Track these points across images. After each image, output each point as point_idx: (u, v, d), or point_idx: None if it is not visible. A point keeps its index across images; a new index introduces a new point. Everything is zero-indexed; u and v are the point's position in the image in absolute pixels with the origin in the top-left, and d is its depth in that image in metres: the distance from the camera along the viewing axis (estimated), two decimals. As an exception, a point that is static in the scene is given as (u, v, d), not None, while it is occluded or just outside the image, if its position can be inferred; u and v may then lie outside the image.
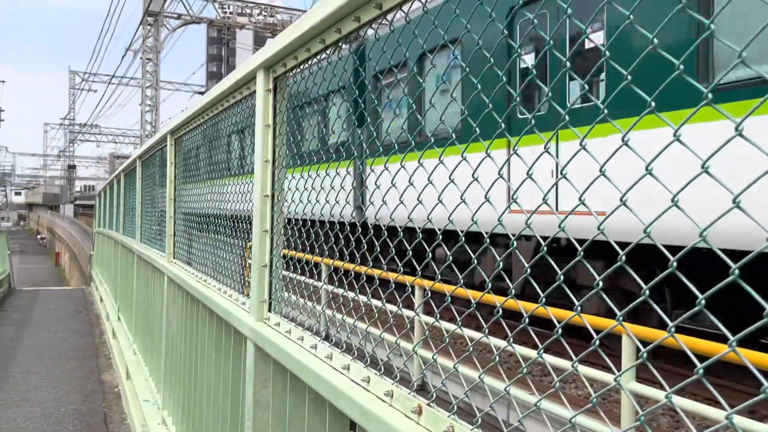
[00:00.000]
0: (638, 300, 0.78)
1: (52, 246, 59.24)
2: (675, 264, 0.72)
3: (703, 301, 0.69)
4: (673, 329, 0.73)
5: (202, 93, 46.34)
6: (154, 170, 5.53)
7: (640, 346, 0.77)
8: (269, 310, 2.12)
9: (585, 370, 5.12)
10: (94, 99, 68.17)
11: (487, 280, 1.14)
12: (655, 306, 0.77)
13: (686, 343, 3.54)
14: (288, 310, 2.13)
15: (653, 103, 0.76)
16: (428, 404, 1.20)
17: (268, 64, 2.06)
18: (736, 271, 0.65)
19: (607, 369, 6.36)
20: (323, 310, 2.37)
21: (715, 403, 5.21)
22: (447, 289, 1.29)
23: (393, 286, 1.46)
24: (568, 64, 0.96)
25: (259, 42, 49.52)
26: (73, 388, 6.47)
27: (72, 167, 64.38)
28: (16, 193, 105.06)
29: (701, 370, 0.69)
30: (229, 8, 27.55)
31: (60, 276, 42.04)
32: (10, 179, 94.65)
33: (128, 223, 7.70)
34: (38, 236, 74.28)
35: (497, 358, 1.07)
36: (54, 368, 7.29)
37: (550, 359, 5.29)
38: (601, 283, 0.82)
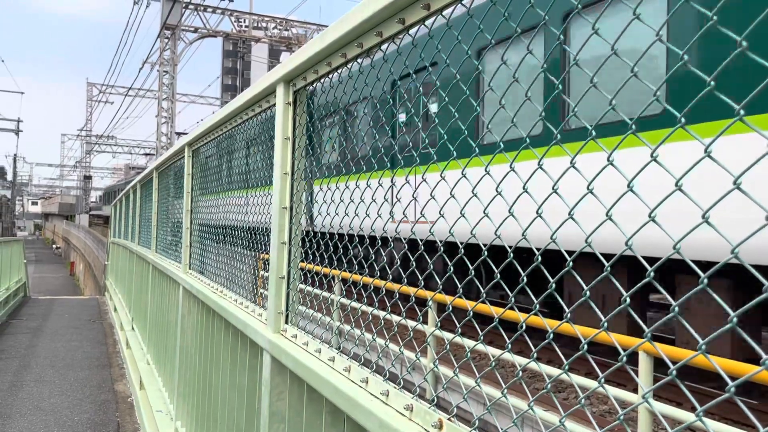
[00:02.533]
0: (668, 316, 0.77)
1: (67, 255, 59.76)
2: (706, 280, 0.72)
3: (735, 319, 0.68)
4: (703, 347, 0.72)
5: (219, 105, 46.68)
6: (170, 181, 5.57)
7: (670, 364, 0.76)
8: (286, 322, 2.12)
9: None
10: (111, 110, 69.15)
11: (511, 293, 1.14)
12: (686, 324, 0.76)
13: (700, 360, 3.49)
14: (312, 326, 2.12)
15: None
16: (449, 419, 1.19)
17: (288, 78, 2.07)
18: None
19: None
20: (337, 328, 2.37)
21: (734, 423, 5.13)
22: (469, 304, 1.29)
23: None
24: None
25: (274, 55, 49.94)
26: (87, 397, 6.50)
27: (88, 178, 65.11)
28: (33, 203, 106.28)
29: (732, 389, 0.69)
30: (245, 22, 27.89)
31: (74, 285, 42.38)
32: (27, 189, 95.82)
33: (144, 233, 7.75)
34: (54, 246, 74.96)
35: (520, 373, 1.06)
36: (68, 377, 7.34)
37: (552, 372, 5.21)
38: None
